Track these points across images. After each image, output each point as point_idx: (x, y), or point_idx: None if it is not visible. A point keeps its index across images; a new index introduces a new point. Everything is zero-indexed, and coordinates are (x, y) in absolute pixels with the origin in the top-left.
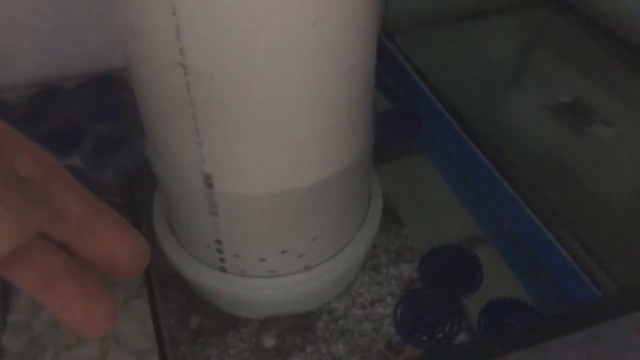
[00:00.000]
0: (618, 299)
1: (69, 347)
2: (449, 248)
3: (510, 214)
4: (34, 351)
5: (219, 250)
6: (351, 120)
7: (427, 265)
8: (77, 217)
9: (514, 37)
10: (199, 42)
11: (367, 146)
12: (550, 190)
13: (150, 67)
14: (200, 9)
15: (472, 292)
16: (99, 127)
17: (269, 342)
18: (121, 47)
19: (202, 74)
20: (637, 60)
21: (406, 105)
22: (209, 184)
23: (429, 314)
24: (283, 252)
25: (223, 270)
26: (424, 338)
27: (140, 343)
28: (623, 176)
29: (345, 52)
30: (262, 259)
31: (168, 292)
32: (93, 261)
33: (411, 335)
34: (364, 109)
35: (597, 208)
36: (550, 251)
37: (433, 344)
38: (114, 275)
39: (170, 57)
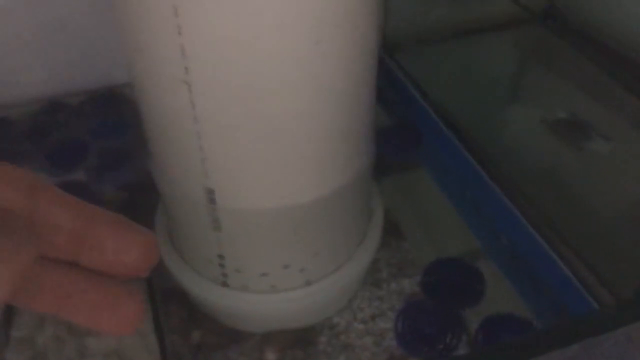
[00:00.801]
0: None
1: None
2: (452, 260)
3: (508, 227)
4: None
5: (221, 265)
6: (352, 136)
7: (429, 277)
8: (70, 231)
9: (511, 53)
10: (203, 61)
11: (367, 162)
12: (547, 205)
13: (155, 84)
14: (205, 29)
15: (473, 304)
16: (102, 143)
17: (271, 356)
18: (127, 64)
19: (206, 92)
20: (632, 76)
21: (406, 121)
22: (212, 199)
23: (429, 324)
24: (285, 267)
25: (225, 285)
26: (425, 349)
27: (142, 357)
28: (620, 190)
29: (347, 70)
30: (264, 274)
31: (170, 307)
32: (102, 270)
33: (412, 345)
34: (364, 125)
35: (594, 222)
36: (548, 265)
37: (433, 354)
38: (124, 277)
39: (175, 75)
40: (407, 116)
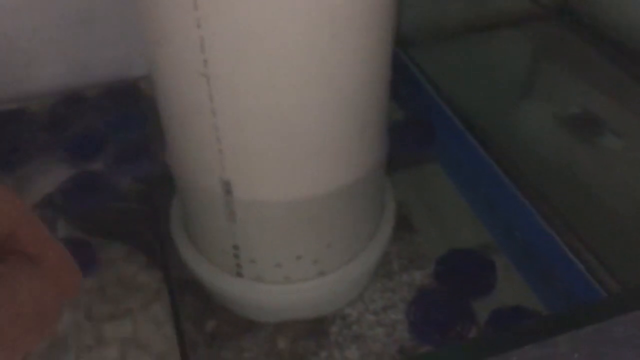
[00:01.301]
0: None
1: (90, 348)
2: (466, 251)
3: (521, 222)
4: (56, 353)
5: (236, 256)
6: (366, 130)
7: (443, 266)
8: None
9: (524, 49)
10: (222, 54)
11: (381, 156)
12: (560, 200)
13: (174, 77)
14: (224, 22)
15: (484, 295)
16: (119, 135)
17: (283, 346)
18: (146, 57)
19: (224, 85)
20: None
21: (420, 116)
22: (228, 191)
23: (441, 313)
24: (298, 258)
25: (239, 275)
26: (436, 336)
27: (159, 345)
28: (632, 186)
29: (362, 64)
30: (277, 265)
31: (185, 296)
32: None
33: (423, 333)
34: (379, 120)
35: (606, 217)
36: (561, 259)
37: (445, 342)
38: None
39: (194, 68)
40: (421, 111)
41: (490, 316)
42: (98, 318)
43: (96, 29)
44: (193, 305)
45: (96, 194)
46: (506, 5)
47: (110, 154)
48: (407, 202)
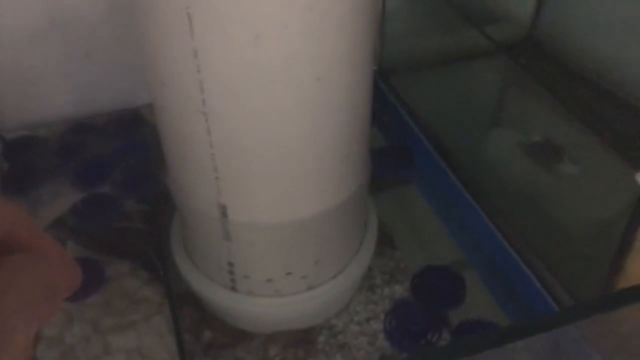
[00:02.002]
0: (568, 310)
1: (98, 358)
2: (438, 268)
3: (486, 240)
4: None
5: (231, 272)
6: (350, 157)
7: (418, 281)
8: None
9: (494, 80)
10: (219, 95)
11: (364, 179)
12: (521, 220)
13: (175, 113)
14: (221, 68)
15: (454, 307)
16: (124, 160)
17: (274, 354)
18: (151, 95)
19: (221, 121)
20: (601, 103)
21: (399, 142)
22: (224, 214)
23: (414, 323)
24: (288, 273)
25: (234, 289)
26: (409, 343)
27: (161, 354)
28: (586, 209)
29: (345, 100)
30: (269, 280)
31: (183, 309)
32: None
33: (398, 340)
34: (361, 147)
35: (563, 237)
36: (521, 275)
37: (417, 349)
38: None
39: (194, 106)
40: (400, 138)
41: (457, 327)
42: (104, 330)
43: (102, 61)
44: (191, 317)
45: (103, 215)
46: (476, 41)
47: (116, 178)
48: (389, 221)
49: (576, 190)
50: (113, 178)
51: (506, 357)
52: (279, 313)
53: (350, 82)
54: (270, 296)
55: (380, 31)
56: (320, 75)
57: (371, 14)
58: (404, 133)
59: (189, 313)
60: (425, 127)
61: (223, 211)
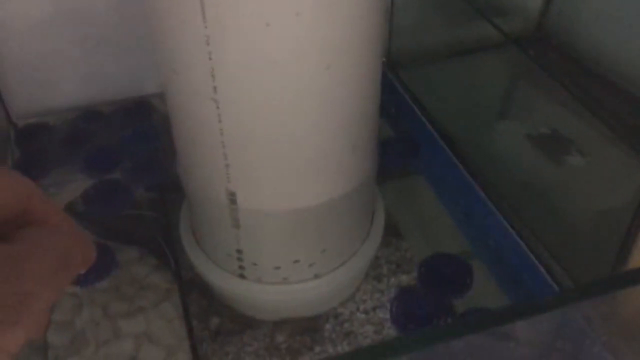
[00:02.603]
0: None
1: (108, 342)
2: (447, 255)
3: (493, 231)
4: (76, 346)
5: (239, 259)
6: (358, 147)
7: (426, 267)
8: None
9: (502, 72)
10: (230, 82)
11: (371, 169)
12: (528, 211)
13: (187, 100)
14: (232, 56)
15: (460, 295)
16: (133, 148)
17: (281, 341)
18: (162, 82)
19: (231, 108)
20: (611, 95)
21: (406, 133)
22: (233, 201)
23: (419, 308)
24: (296, 261)
25: (242, 277)
26: (413, 328)
27: (169, 339)
28: (593, 200)
29: (354, 90)
30: (277, 268)
31: (191, 295)
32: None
33: (404, 325)
34: (369, 137)
35: (570, 228)
36: (527, 265)
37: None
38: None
39: (205, 94)
40: (408, 128)
41: (461, 315)
42: (114, 315)
43: (111, 50)
44: (198, 303)
45: (113, 202)
46: (484, 32)
47: (125, 166)
48: (395, 211)
49: (583, 182)
50: (122, 166)
51: (508, 337)
52: (287, 300)
53: (360, 71)
54: (278, 283)
55: (389, 22)
56: (330, 63)
57: (381, 3)
58: (411, 124)
59: (197, 299)
60: (433, 119)
61: (232, 198)
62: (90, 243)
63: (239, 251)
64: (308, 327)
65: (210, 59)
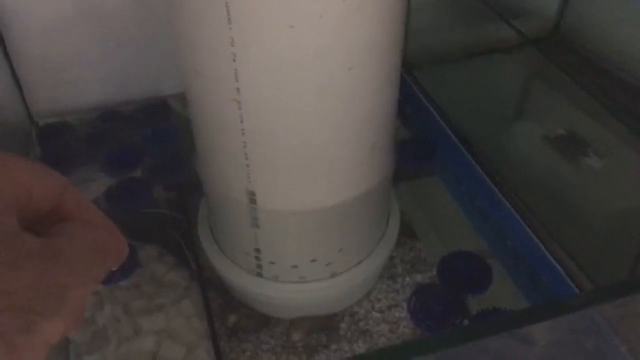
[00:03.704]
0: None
1: (129, 339)
2: (467, 253)
3: (511, 232)
4: (98, 342)
5: (257, 258)
6: (376, 148)
7: (446, 263)
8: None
9: (518, 73)
10: (253, 83)
11: (388, 170)
12: (546, 212)
13: (209, 101)
14: (257, 57)
15: (478, 293)
16: (152, 148)
17: (297, 339)
18: (184, 83)
19: (254, 109)
20: (627, 97)
21: (422, 133)
22: (253, 200)
23: (437, 304)
24: (313, 260)
25: (259, 275)
26: (430, 323)
27: (189, 336)
28: (610, 201)
29: (375, 90)
30: (294, 266)
31: (209, 293)
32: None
33: (421, 321)
34: (387, 137)
35: (585, 227)
36: (546, 266)
37: (437, 328)
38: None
39: (227, 94)
40: (424, 129)
41: (476, 314)
42: (134, 312)
43: (130, 51)
44: (216, 301)
45: (133, 200)
46: (500, 34)
47: (145, 165)
48: (411, 211)
49: (601, 183)
50: (142, 165)
51: (527, 339)
52: (303, 299)
53: (381, 71)
54: (295, 282)
55: (406, 23)
56: (352, 65)
57: (401, 4)
58: (427, 125)
59: (214, 297)
60: (449, 120)
61: (252, 197)
62: (123, 238)
63: (257, 250)
64: (324, 326)
65: (234, 60)
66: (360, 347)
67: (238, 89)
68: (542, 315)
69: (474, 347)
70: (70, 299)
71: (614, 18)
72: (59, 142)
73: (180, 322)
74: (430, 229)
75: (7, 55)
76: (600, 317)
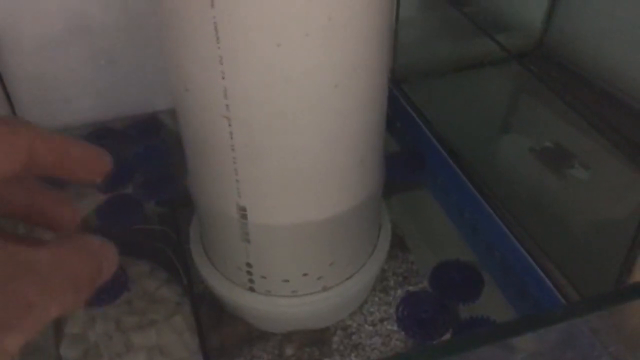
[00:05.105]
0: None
1: (120, 355)
2: (459, 262)
3: (499, 243)
4: (89, 359)
5: (249, 272)
6: (366, 161)
7: (438, 271)
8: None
9: (505, 87)
10: (242, 100)
11: (378, 183)
12: (533, 224)
13: (199, 117)
14: (245, 75)
15: (468, 302)
16: (144, 164)
17: (290, 353)
18: (174, 100)
19: (243, 125)
20: (612, 110)
21: (412, 146)
22: (243, 215)
23: (424, 311)
24: (304, 274)
25: (251, 289)
26: (418, 331)
27: (181, 352)
28: (596, 213)
29: (361, 107)
30: (285, 280)
31: (201, 309)
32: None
33: (409, 328)
34: (375, 152)
35: (574, 240)
36: (533, 277)
37: (425, 336)
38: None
39: (217, 111)
40: (413, 142)
41: (463, 323)
42: (126, 328)
43: (122, 68)
44: (208, 315)
45: (124, 216)
46: (486, 48)
47: (137, 181)
48: (402, 224)
49: (587, 195)
50: (133, 181)
51: (514, 349)
52: (295, 313)
53: (367, 88)
54: (287, 296)
55: (394, 38)
56: (338, 82)
57: (387, 23)
58: (416, 138)
59: (207, 311)
60: (438, 133)
61: (242, 213)
62: (109, 254)
63: (248, 265)
64: (316, 339)
65: (223, 78)
66: None
67: (227, 106)
68: (530, 326)
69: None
70: (34, 316)
71: (597, 32)
72: None
73: (172, 337)
74: (422, 241)
75: None
76: (587, 327)
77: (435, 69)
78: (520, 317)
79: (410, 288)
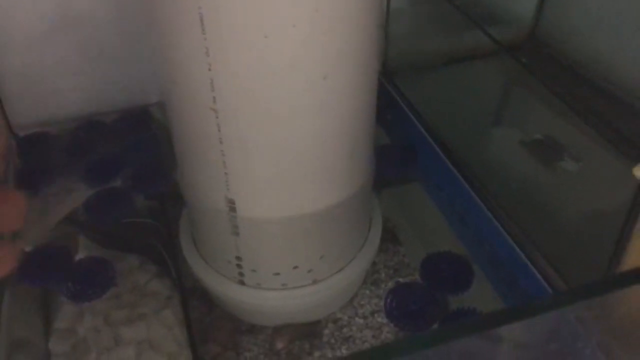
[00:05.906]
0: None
1: (109, 349)
2: (450, 254)
3: (488, 235)
4: (78, 353)
5: (239, 266)
6: (355, 154)
7: (428, 263)
8: None
9: (495, 80)
10: (229, 92)
11: (368, 176)
12: (523, 216)
13: (187, 110)
14: (231, 67)
15: (457, 293)
16: (133, 157)
17: (281, 346)
18: (162, 92)
19: (231, 118)
20: (601, 102)
21: (403, 140)
22: (232, 208)
23: (412, 302)
24: (294, 267)
25: (242, 283)
26: (407, 322)
27: (170, 346)
28: (586, 204)
29: (351, 98)
30: (276, 274)
31: (192, 302)
32: None
33: (398, 318)
34: (366, 145)
35: (563, 231)
36: (522, 268)
37: (414, 327)
38: None
39: (204, 104)
40: (404, 135)
41: (454, 313)
42: (115, 322)
43: (111, 61)
44: (199, 309)
45: (114, 210)
46: (477, 41)
47: (126, 175)
48: (392, 217)
49: (576, 186)
50: (123, 175)
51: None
52: (286, 306)
53: (356, 80)
54: (277, 289)
55: (384, 31)
56: (326, 74)
57: (376, 14)
58: (407, 131)
59: (197, 305)
60: (429, 126)
61: (231, 206)
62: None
63: (238, 258)
64: (307, 333)
65: (209, 69)
66: (344, 354)
67: (214, 98)
68: (515, 316)
69: (446, 348)
70: None
71: (588, 25)
72: (39, 153)
73: (161, 331)
74: (413, 235)
75: None
76: (573, 317)
77: (427, 62)
78: (506, 307)
79: (401, 280)
